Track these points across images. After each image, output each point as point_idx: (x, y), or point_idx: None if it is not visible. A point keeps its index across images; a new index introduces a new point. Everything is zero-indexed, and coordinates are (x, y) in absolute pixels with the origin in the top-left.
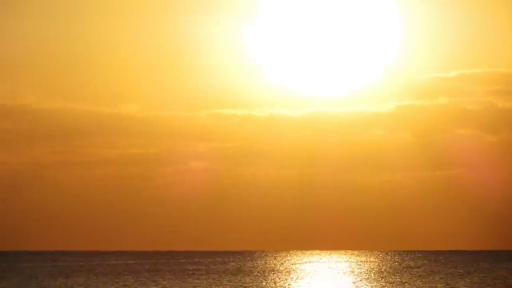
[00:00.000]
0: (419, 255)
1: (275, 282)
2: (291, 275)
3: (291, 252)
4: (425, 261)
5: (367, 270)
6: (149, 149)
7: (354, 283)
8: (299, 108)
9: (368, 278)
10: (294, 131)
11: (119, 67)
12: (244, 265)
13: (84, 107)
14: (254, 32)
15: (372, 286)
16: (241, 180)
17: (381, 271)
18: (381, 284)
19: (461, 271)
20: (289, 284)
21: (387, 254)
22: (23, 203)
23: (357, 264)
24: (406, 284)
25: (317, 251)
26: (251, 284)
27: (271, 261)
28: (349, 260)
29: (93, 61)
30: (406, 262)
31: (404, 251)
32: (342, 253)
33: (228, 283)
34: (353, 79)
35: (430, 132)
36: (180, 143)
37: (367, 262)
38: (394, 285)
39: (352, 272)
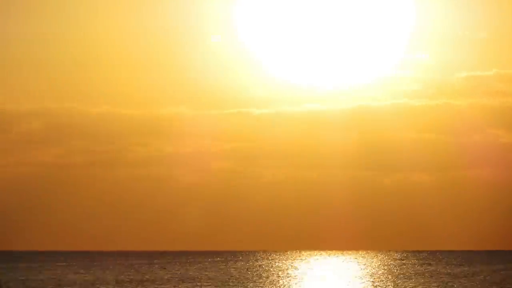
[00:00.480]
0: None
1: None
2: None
3: (313, 252)
4: None
5: None
6: (167, 149)
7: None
8: (328, 103)
9: None
10: (314, 130)
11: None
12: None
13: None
14: (264, 30)
15: None
16: (260, 180)
17: None
18: None
19: None
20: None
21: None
22: (49, 203)
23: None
24: None
25: (339, 252)
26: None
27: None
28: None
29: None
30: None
31: (426, 251)
32: (367, 254)
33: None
34: (389, 76)
35: (464, 131)
36: (200, 143)
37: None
38: None
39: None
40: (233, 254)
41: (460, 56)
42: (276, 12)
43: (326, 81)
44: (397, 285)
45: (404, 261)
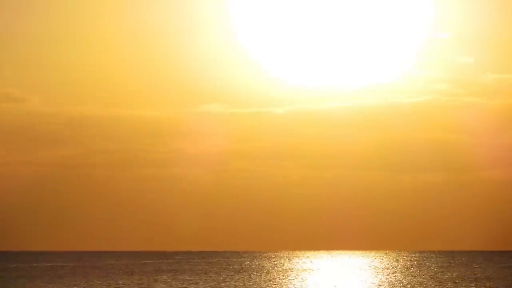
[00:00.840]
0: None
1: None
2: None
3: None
4: None
5: None
6: (188, 150)
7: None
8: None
9: None
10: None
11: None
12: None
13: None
14: (284, 31)
15: None
16: (278, 180)
17: None
18: None
19: None
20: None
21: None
22: (67, 202)
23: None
24: None
25: (356, 252)
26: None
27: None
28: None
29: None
30: None
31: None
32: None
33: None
34: (413, 75)
35: (486, 132)
36: (219, 143)
37: None
38: None
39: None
40: (253, 255)
41: (490, 57)
42: (299, 14)
43: (347, 80)
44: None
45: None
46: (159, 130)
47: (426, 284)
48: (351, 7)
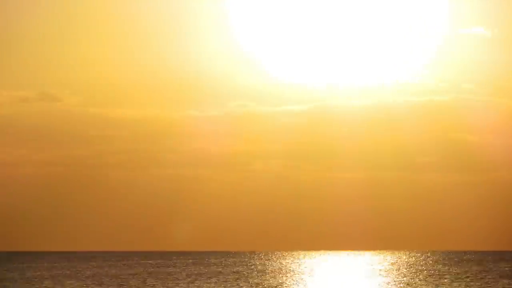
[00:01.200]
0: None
1: None
2: None
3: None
4: None
5: None
6: (211, 150)
7: None
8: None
9: None
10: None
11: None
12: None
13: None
14: (290, 28)
15: None
16: (290, 180)
17: None
18: None
19: None
20: None
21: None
22: (78, 202)
23: None
24: None
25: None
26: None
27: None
28: None
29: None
30: None
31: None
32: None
33: None
34: (433, 74)
35: (505, 132)
36: (238, 143)
37: None
38: None
39: None
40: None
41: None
42: (310, 12)
43: (360, 78)
44: None
45: None
46: (167, 131)
47: None
48: (369, 2)
